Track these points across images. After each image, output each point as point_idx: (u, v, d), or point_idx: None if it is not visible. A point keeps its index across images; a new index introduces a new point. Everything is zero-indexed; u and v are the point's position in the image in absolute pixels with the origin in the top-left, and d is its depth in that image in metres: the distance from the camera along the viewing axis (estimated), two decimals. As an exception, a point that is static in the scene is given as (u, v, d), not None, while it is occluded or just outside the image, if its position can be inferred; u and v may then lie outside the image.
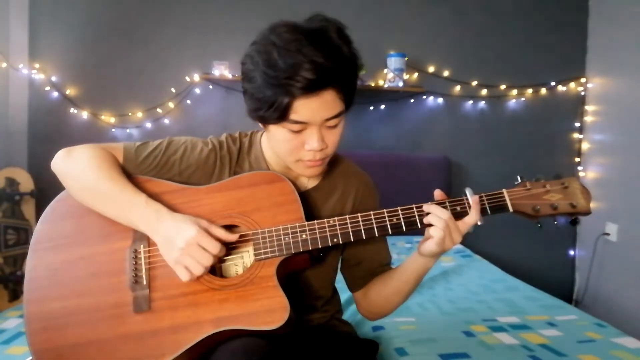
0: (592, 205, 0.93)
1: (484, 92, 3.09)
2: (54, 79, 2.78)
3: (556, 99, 3.14)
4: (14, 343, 1.48)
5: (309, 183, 1.08)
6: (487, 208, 0.93)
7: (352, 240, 0.95)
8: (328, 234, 0.94)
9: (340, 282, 1.18)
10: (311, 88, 0.85)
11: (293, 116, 0.88)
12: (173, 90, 2.87)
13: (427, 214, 0.93)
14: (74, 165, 0.98)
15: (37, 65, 2.75)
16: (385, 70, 2.89)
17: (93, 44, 2.80)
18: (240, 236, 0.95)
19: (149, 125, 2.86)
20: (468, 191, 0.94)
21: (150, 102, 2.85)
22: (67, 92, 2.80)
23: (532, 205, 0.94)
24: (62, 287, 0.95)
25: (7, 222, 2.42)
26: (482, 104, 3.11)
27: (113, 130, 2.85)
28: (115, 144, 1.03)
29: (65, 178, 0.99)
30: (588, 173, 3.10)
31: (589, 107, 3.13)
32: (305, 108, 0.87)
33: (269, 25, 0.90)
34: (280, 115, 0.88)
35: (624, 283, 2.76)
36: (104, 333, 0.92)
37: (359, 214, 0.95)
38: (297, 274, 1.04)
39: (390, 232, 0.95)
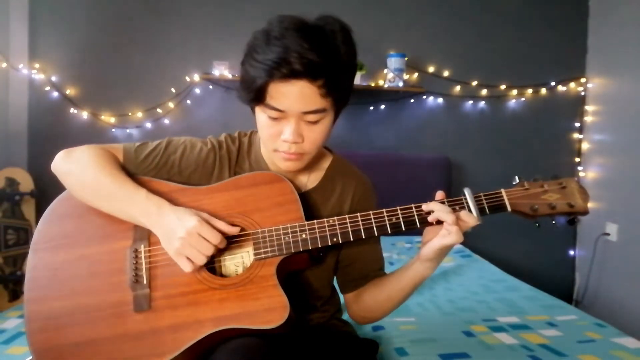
0: (592, 205, 0.93)
1: (484, 92, 3.09)
2: (54, 79, 2.78)
3: (556, 99, 3.15)
4: (14, 343, 1.48)
5: (308, 183, 1.08)
6: (486, 208, 0.94)
7: (352, 239, 0.95)
8: (328, 233, 0.94)
9: (340, 282, 1.18)
10: (290, 74, 0.86)
11: (269, 101, 0.90)
12: (173, 90, 2.88)
13: (428, 213, 0.93)
14: (74, 165, 0.98)
15: (37, 65, 2.75)
16: (385, 70, 2.89)
17: (93, 44, 2.81)
18: (241, 236, 0.95)
19: (149, 125, 2.86)
20: (467, 191, 0.94)
21: (150, 102, 2.86)
22: (67, 92, 2.80)
23: (530, 205, 0.94)
24: (63, 287, 0.95)
25: (7, 222, 2.43)
26: (482, 104, 3.11)
27: (113, 130, 2.85)
28: (115, 145, 1.04)
29: (66, 177, 0.99)
30: (588, 173, 3.10)
31: (589, 107, 3.13)
32: (281, 94, 0.88)
33: (277, 16, 0.91)
34: (256, 96, 0.90)
35: (624, 283, 2.76)
36: (104, 332, 0.92)
37: (358, 214, 0.95)
38: (297, 274, 1.05)
39: (389, 232, 0.95)
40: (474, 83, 3.07)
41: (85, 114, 2.81)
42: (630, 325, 2.41)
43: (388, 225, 0.94)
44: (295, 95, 0.88)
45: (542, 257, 3.17)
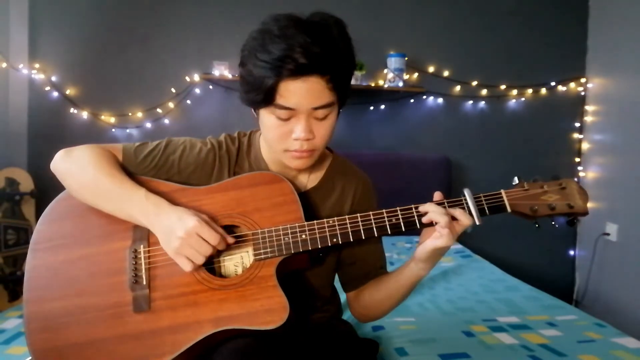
0: (592, 205, 0.94)
1: (484, 92, 3.09)
2: (54, 79, 2.78)
3: (556, 99, 3.14)
4: (14, 343, 1.48)
5: (308, 183, 1.08)
6: (486, 208, 0.93)
7: (352, 240, 0.95)
8: (327, 234, 0.94)
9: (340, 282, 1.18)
10: (299, 71, 0.85)
11: (279, 100, 0.89)
12: (173, 90, 2.87)
13: (424, 214, 0.93)
14: (73, 164, 0.98)
15: (37, 65, 2.75)
16: (385, 70, 2.89)
17: (93, 44, 2.81)
18: (240, 237, 0.95)
19: (149, 125, 2.86)
20: (467, 192, 0.94)
21: (150, 102, 2.86)
22: (67, 92, 2.80)
23: (530, 205, 0.94)
24: (62, 287, 0.95)
25: (7, 222, 2.43)
26: (482, 104, 3.11)
27: (113, 130, 2.85)
28: (115, 145, 1.04)
29: (65, 177, 0.99)
30: (588, 173, 3.10)
31: (589, 107, 3.13)
32: (291, 92, 0.88)
33: (270, 15, 0.91)
34: (266, 97, 0.89)
35: (624, 283, 2.76)
36: (103, 333, 0.92)
37: (358, 214, 0.95)
38: (297, 274, 1.04)
39: (389, 232, 0.95)
40: (474, 83, 3.07)
41: (85, 114, 2.81)
42: (630, 325, 2.41)
43: (388, 226, 0.94)
44: (305, 91, 0.88)
45: (542, 257, 3.17)
